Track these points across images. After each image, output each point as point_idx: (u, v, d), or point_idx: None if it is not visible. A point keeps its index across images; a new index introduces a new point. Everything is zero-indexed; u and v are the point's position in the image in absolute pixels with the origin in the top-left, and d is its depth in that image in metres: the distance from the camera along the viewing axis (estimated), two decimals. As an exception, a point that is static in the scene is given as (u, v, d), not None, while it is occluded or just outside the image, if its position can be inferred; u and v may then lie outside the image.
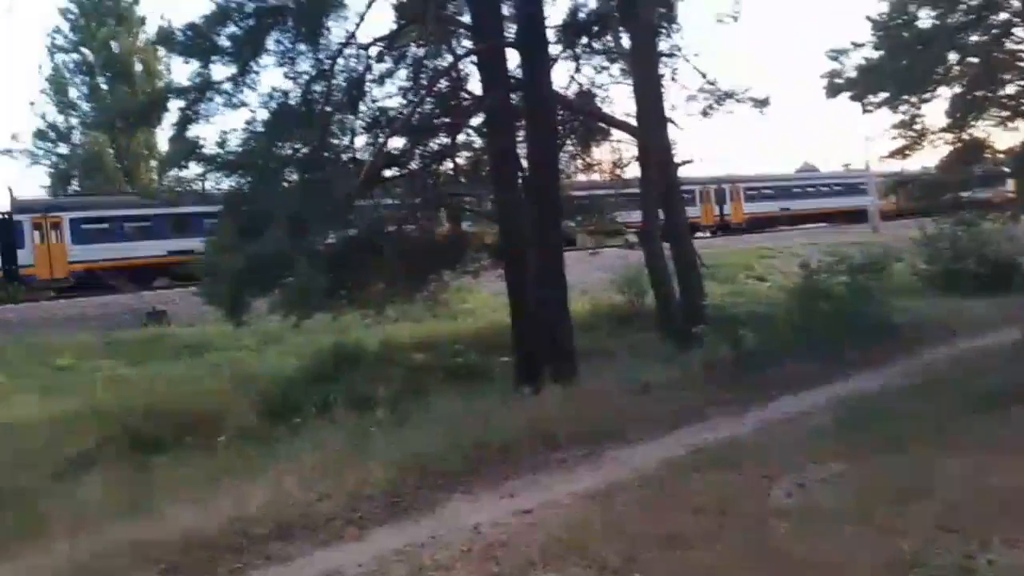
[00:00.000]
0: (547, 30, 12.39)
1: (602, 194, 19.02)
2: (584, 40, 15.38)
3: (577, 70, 15.74)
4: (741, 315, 14.14)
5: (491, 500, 6.40)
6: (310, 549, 5.72)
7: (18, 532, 6.43)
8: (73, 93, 36.97)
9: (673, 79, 16.06)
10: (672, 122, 15.32)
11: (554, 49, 14.11)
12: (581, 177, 18.95)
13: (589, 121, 16.38)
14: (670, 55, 15.81)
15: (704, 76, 16.84)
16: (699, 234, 33.75)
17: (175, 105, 11.41)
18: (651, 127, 14.31)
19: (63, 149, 36.92)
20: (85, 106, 36.83)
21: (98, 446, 9.92)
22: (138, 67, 36.59)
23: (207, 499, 6.52)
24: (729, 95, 16.60)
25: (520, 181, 12.47)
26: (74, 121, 36.98)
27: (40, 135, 36.60)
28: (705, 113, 16.74)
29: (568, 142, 16.26)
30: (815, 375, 10.19)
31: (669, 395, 9.35)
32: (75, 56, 36.86)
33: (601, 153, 19.30)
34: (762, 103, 16.78)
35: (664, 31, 15.24)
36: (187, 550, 5.65)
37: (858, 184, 44.14)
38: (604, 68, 16.19)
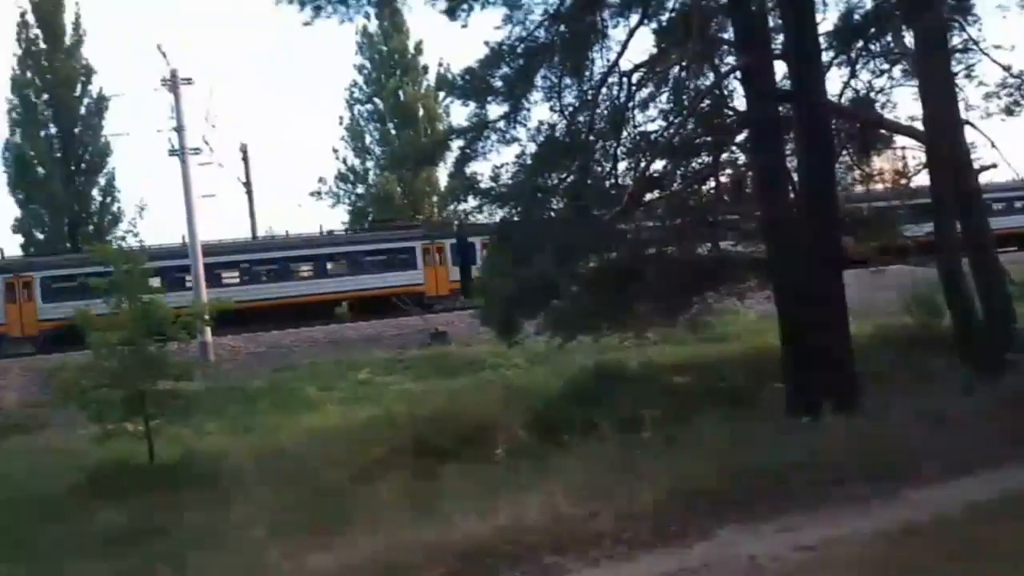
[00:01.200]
0: (818, 36, 11.73)
1: (885, 206, 17.41)
2: (860, 43, 14.31)
3: (852, 75, 14.66)
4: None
5: (767, 532, 6.09)
6: (581, 566, 5.83)
7: (330, 524, 7.31)
8: (367, 139, 41.76)
9: (968, 76, 14.33)
10: (970, 123, 13.67)
11: (825, 56, 13.30)
12: (859, 189, 17.57)
13: (867, 129, 15.15)
14: (964, 50, 14.14)
15: (1007, 69, 14.81)
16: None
17: (455, 144, 12.44)
18: (942, 130, 12.87)
19: (360, 189, 41.76)
20: (377, 150, 41.40)
21: (390, 452, 10.96)
22: (421, 112, 40.39)
23: (486, 508, 6.93)
24: (1040, 88, 14.41)
25: (792, 196, 11.86)
26: (369, 164, 41.73)
27: (341, 177, 41.73)
28: (1009, 111, 14.69)
29: (844, 152, 15.17)
30: None
31: (972, 430, 8.24)
32: (369, 106, 41.66)
33: (882, 162, 17.79)
34: (1085, 93, 14.34)
35: (957, 24, 13.68)
36: (469, 555, 6.04)
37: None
38: (883, 71, 14.93)
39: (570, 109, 12.24)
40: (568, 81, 12.13)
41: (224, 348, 22.37)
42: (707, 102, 13.65)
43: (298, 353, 22.42)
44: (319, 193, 41.37)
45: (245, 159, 37.61)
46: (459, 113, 57.76)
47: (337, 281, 29.66)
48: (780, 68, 12.03)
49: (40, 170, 36.77)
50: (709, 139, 13.95)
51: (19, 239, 37.06)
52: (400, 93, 40.43)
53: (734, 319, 19.24)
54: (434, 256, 30.20)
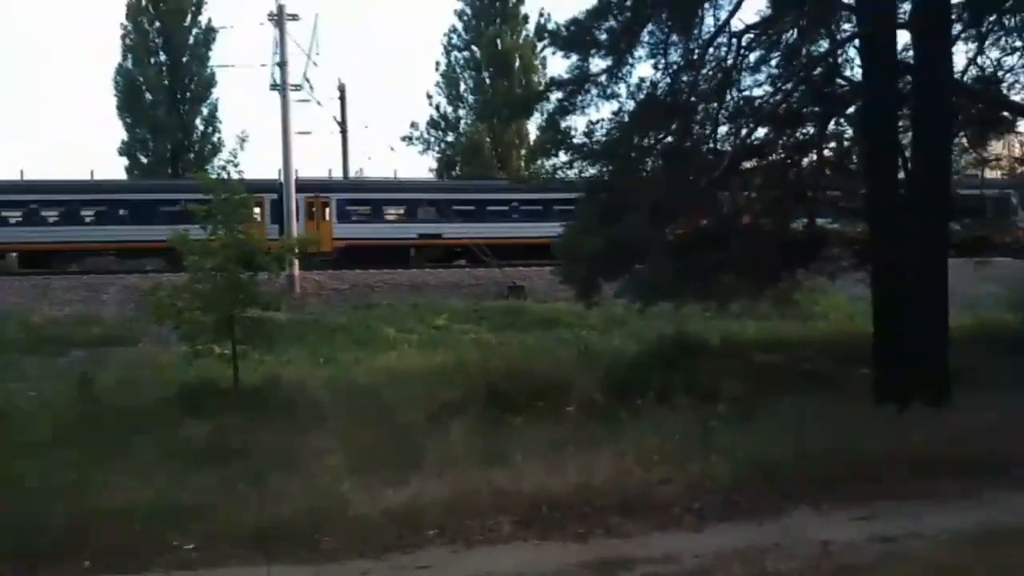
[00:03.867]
0: (950, 5, 10.98)
1: (999, 194, 16.42)
2: (993, 16, 13.32)
3: (980, 51, 13.69)
4: None
5: (843, 519, 5.95)
6: (648, 529, 5.84)
7: (403, 462, 7.48)
8: (462, 87, 41.64)
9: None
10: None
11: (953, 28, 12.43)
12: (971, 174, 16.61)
13: (989, 110, 14.19)
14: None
15: None
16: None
17: (554, 96, 12.21)
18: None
19: (450, 137, 41.81)
20: (471, 98, 41.26)
21: (463, 398, 11.08)
22: (517, 63, 39.97)
23: (555, 463, 6.97)
24: None
25: (901, 175, 11.28)
26: (461, 113, 41.67)
27: (433, 124, 41.78)
28: None
29: (960, 134, 14.28)
30: None
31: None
32: (466, 54, 41.44)
33: (1001, 147, 16.73)
34: None
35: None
36: (537, 506, 6.12)
37: None
38: (1016, 48, 13.88)
39: (674, 68, 11.85)
40: (675, 38, 11.73)
41: (309, 283, 23.01)
42: (819, 70, 13.04)
43: (379, 294, 22.89)
44: (410, 138, 41.62)
45: (342, 98, 38.04)
46: (556, 66, 56.88)
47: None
48: (901, 37, 11.37)
49: (148, 96, 38.21)
50: (816, 109, 13.33)
51: (124, 162, 38.86)
52: (498, 42, 40.05)
53: (822, 299, 18.62)
54: None
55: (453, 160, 40.98)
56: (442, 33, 44.72)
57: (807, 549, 5.22)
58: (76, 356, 16.75)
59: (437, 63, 41.85)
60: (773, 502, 6.26)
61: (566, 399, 10.22)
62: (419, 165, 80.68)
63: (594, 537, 5.67)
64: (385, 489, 6.60)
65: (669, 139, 12.02)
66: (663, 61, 11.81)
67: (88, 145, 70.73)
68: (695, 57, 11.79)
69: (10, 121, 66.09)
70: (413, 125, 41.87)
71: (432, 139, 41.69)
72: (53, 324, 19.01)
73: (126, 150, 38.72)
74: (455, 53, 41.47)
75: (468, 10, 41.14)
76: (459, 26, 41.29)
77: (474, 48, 40.94)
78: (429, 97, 41.68)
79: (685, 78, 11.90)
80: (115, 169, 38.68)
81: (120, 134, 38.86)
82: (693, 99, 11.97)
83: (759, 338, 15.25)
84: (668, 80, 11.88)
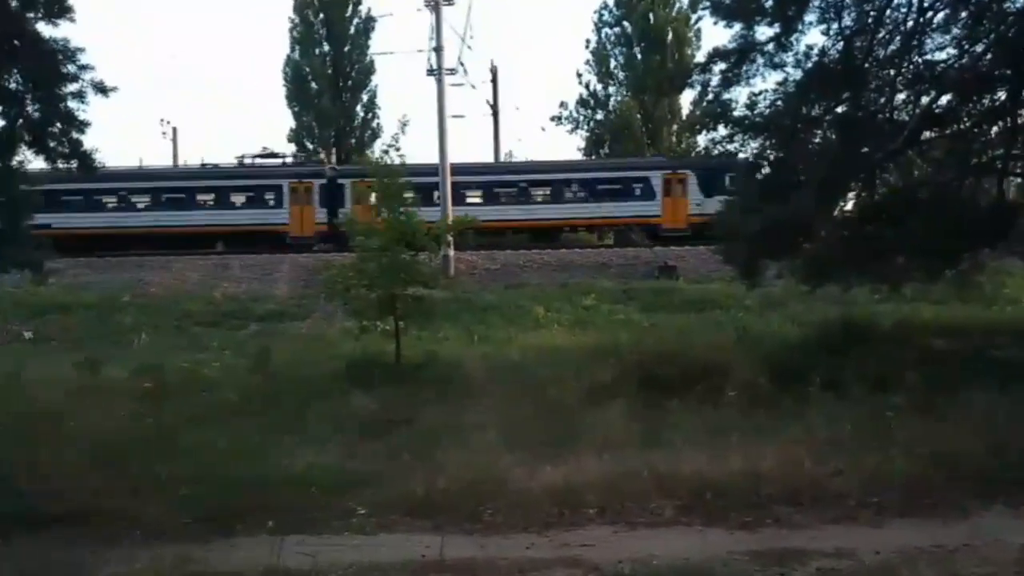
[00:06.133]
0: None
1: None
2: None
3: None
4: None
5: (1046, 522, 5.40)
6: (820, 522, 5.57)
7: (559, 440, 7.53)
8: (612, 64, 41.04)
9: None
10: None
11: None
12: None
13: None
14: None
15: None
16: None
17: (716, 68, 11.74)
18: None
19: (600, 115, 41.35)
20: (621, 75, 40.64)
21: (616, 379, 10.98)
22: (669, 37, 38.88)
23: (717, 449, 6.77)
24: None
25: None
26: (611, 90, 41.10)
27: (582, 103, 41.46)
28: None
29: None
30: None
31: None
32: (616, 30, 40.77)
33: None
34: None
35: None
36: (699, 491, 5.98)
37: None
38: None
39: (847, 32, 11.08)
40: (848, 1, 10.96)
41: (463, 262, 23.60)
42: (1013, 29, 11.79)
43: (528, 273, 23.18)
44: (559, 118, 41.50)
45: (494, 81, 38.52)
46: (711, 38, 54.77)
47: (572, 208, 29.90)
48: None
49: (313, 85, 40.43)
50: (1009, 72, 12.07)
51: (291, 148, 41.41)
52: (651, 15, 39.12)
53: (1011, 281, 16.97)
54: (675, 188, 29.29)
55: (602, 138, 40.55)
56: (592, 11, 44.16)
57: (1003, 552, 4.79)
58: (252, 330, 18.13)
59: (587, 41, 41.49)
60: (959, 501, 5.80)
61: (724, 384, 9.88)
62: (569, 144, 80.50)
63: (762, 527, 5.47)
64: (543, 466, 6.66)
65: (840, 109, 11.28)
66: (835, 26, 11.07)
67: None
68: (871, 21, 10.98)
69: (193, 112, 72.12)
70: (562, 105, 41.62)
71: (582, 118, 41.39)
72: (232, 300, 20.64)
73: (294, 137, 41.27)
74: (605, 30, 40.95)
75: (624, -16, 40.39)
76: (610, 2, 40.68)
77: (625, 24, 40.21)
78: (579, 76, 41.40)
79: (859, 43, 11.11)
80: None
81: (289, 122, 41.52)
82: (867, 65, 11.16)
83: (937, 323, 14.09)
84: (840, 46, 11.13)
